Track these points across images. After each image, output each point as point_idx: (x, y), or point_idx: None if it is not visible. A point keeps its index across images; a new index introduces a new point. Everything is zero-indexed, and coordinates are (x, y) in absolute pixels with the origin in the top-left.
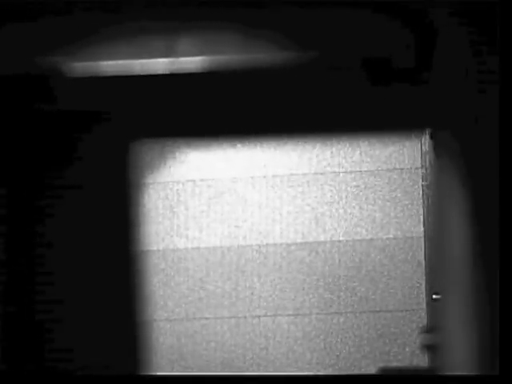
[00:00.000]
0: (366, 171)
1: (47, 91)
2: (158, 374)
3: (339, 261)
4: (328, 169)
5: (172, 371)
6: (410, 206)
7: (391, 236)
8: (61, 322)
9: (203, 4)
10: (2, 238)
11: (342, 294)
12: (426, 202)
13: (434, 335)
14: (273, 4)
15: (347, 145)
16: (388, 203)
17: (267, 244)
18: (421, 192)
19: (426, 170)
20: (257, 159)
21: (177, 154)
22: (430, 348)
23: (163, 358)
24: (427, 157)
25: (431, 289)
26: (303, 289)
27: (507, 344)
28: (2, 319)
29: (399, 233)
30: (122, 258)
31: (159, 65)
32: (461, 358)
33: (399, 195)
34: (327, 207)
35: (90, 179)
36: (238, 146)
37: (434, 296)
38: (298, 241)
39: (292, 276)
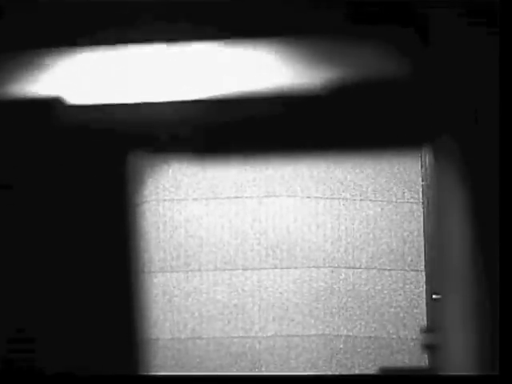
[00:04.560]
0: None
1: None
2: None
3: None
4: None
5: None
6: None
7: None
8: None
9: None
10: None
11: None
12: (426, 202)
13: (434, 335)
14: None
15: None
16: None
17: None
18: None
19: (425, 169)
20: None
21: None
22: (430, 348)
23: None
24: (427, 157)
25: (431, 289)
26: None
27: (507, 344)
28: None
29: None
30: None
31: None
32: (461, 358)
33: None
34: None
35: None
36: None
37: (433, 296)
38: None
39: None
